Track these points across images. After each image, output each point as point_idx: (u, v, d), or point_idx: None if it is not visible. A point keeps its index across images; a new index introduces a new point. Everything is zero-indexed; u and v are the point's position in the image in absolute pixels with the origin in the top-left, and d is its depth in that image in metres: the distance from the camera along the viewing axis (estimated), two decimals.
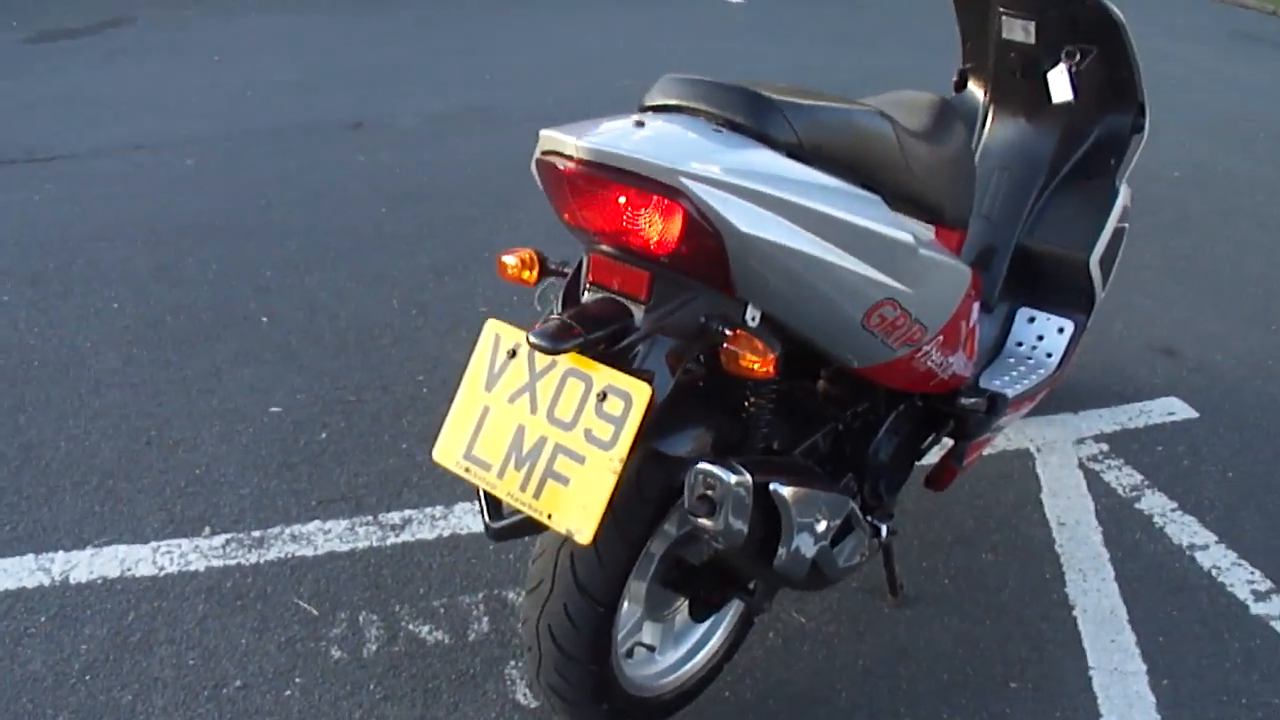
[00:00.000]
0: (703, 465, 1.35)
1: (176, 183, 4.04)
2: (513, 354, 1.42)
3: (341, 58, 6.00)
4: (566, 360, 1.37)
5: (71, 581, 2.03)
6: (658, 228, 1.32)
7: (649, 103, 1.50)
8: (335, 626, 1.99)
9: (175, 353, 2.85)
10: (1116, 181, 2.47)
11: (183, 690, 1.81)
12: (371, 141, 4.58)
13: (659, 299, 1.39)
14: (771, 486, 1.43)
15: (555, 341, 1.30)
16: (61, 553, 2.11)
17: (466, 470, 1.43)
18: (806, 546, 1.51)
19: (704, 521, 1.35)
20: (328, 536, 2.22)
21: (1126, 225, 2.55)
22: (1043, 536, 2.44)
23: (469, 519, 2.31)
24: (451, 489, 2.39)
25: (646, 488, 1.45)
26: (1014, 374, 2.37)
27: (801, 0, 8.45)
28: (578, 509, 1.32)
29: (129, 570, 2.07)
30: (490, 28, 6.93)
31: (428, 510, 2.33)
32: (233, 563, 2.12)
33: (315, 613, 2.02)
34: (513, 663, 1.95)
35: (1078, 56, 2.28)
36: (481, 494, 1.50)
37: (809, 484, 1.51)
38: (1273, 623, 2.23)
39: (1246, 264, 4.06)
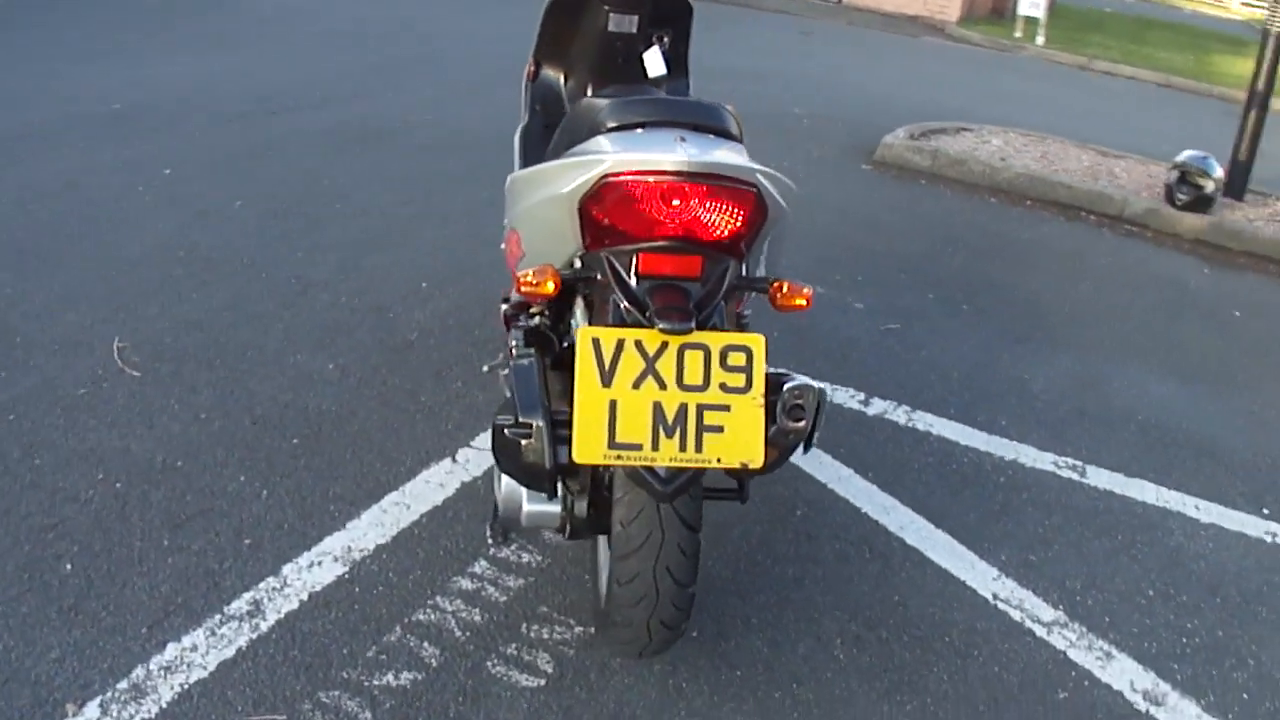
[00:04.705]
0: (793, 382, 1.79)
1: None
2: (619, 348, 1.69)
3: None
4: (674, 339, 1.70)
5: None
6: (731, 213, 1.76)
7: (616, 122, 1.85)
8: (316, 717, 1.92)
9: None
10: None
11: None
12: None
13: (707, 275, 1.83)
14: (819, 387, 1.91)
15: (681, 324, 1.71)
16: None
17: (618, 458, 1.68)
18: None
19: (796, 425, 1.80)
20: (200, 653, 2.03)
21: None
22: None
23: (309, 574, 2.29)
24: (260, 559, 2.30)
25: None
26: None
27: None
28: (742, 445, 1.71)
29: None
30: None
31: (262, 586, 2.24)
32: None
33: (284, 716, 1.91)
34: (495, 657, 2.10)
35: (665, 39, 2.98)
36: (643, 470, 1.73)
37: None
38: (886, 416, 3.31)
39: None
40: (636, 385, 1.72)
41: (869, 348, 3.80)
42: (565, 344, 2.14)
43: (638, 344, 1.73)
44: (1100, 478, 3.15)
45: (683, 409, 1.72)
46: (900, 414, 3.35)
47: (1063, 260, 5.16)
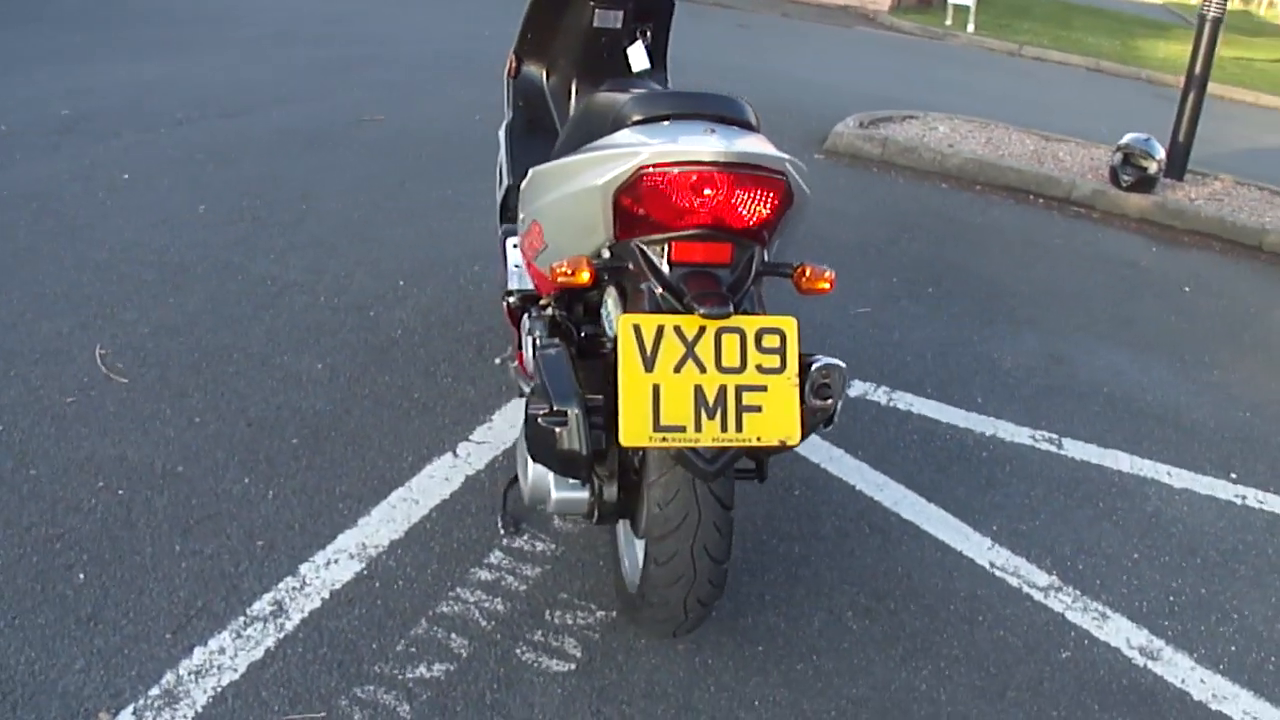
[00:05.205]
0: (820, 362, 1.86)
1: None
2: (659, 334, 1.74)
3: None
4: (711, 323, 1.76)
5: None
6: (763, 201, 1.82)
7: (641, 115, 1.90)
8: (355, 713, 1.94)
9: None
10: None
11: None
12: None
13: (736, 261, 1.89)
14: (844, 366, 1.98)
15: (720, 309, 1.76)
16: None
17: (663, 440, 1.73)
18: None
19: (824, 403, 1.86)
20: (229, 655, 2.04)
21: None
22: None
23: (326, 572, 2.30)
24: (276, 559, 2.31)
25: None
26: None
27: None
28: (779, 424, 1.78)
29: None
30: None
31: (282, 586, 2.25)
32: None
33: (323, 714, 1.93)
34: (523, 644, 2.14)
35: (647, 33, 3.02)
36: (687, 451, 1.79)
37: None
38: (868, 397, 3.39)
39: None
40: (678, 369, 1.77)
41: (843, 331, 3.89)
42: (583, 334, 2.18)
43: (677, 329, 1.78)
44: (1076, 449, 3.27)
45: (722, 391, 1.77)
46: (881, 394, 3.44)
47: (1017, 242, 5.32)
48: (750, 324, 1.81)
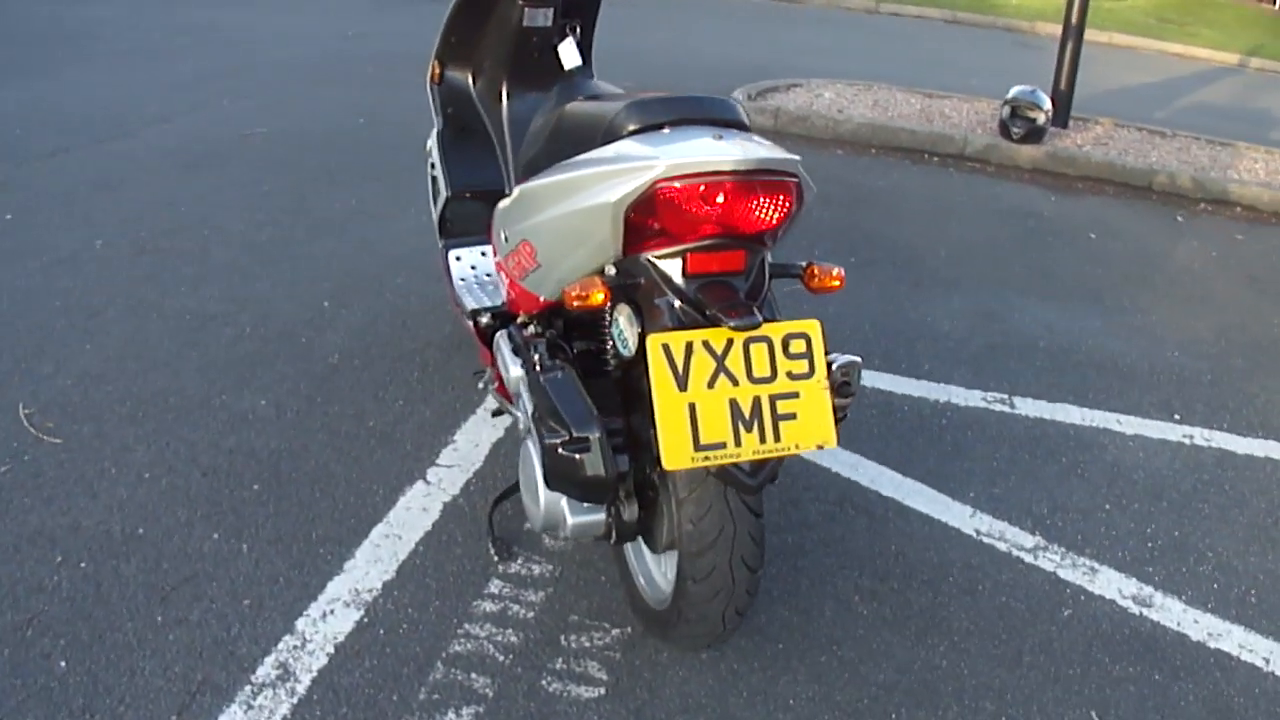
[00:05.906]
0: (840, 361, 1.85)
1: None
2: (689, 351, 1.70)
3: None
4: (738, 335, 1.74)
5: None
6: (778, 205, 1.80)
7: (637, 125, 1.85)
8: None
9: None
10: None
11: None
12: None
13: (749, 267, 1.86)
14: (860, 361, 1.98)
15: (749, 319, 1.74)
16: None
17: (705, 459, 1.70)
18: None
19: (846, 401, 1.87)
20: None
21: None
22: None
23: (325, 625, 2.20)
24: (268, 618, 2.20)
25: None
26: None
27: None
28: (815, 429, 1.77)
29: None
30: None
31: (282, 646, 2.14)
32: None
33: None
34: (547, 675, 2.09)
35: (577, 29, 2.95)
36: (728, 468, 1.77)
37: None
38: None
39: None
40: (711, 385, 1.74)
41: (779, 310, 3.90)
42: (574, 351, 2.13)
43: (705, 344, 1.75)
44: (1028, 406, 3.37)
45: (756, 402, 1.75)
46: None
47: (922, 203, 5.44)
48: (776, 331, 1.79)
